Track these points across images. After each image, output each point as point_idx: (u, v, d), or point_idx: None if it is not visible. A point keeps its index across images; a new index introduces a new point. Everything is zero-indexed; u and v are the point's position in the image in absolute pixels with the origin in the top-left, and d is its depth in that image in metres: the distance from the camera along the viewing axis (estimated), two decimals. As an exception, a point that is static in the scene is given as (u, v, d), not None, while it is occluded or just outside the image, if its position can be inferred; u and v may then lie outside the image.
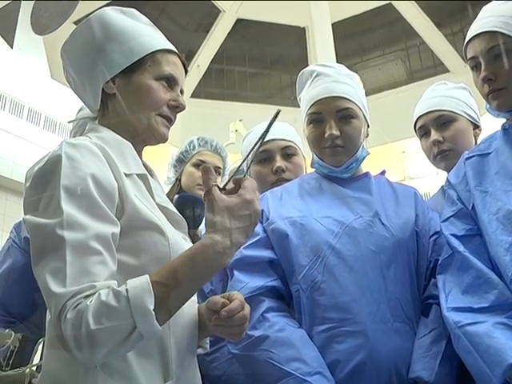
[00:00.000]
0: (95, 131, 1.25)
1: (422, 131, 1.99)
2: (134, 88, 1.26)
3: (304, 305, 1.43)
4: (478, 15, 1.53)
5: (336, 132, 1.56)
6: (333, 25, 6.47)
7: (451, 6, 7.17)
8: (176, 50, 1.34)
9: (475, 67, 1.48)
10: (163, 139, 1.31)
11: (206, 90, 7.77)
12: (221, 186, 1.09)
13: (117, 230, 1.06)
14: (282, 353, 1.32)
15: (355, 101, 1.61)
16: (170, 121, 1.31)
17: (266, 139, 1.95)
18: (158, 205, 1.21)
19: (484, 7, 1.52)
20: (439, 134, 1.92)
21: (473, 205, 1.43)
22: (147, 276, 0.98)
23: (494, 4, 1.50)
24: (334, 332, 1.37)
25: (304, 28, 7.56)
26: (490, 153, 1.48)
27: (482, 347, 1.21)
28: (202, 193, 2.45)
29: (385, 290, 1.41)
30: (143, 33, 1.31)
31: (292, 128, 2.12)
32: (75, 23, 6.08)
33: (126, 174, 1.15)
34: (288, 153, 1.99)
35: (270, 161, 1.95)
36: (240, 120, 5.71)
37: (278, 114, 1.17)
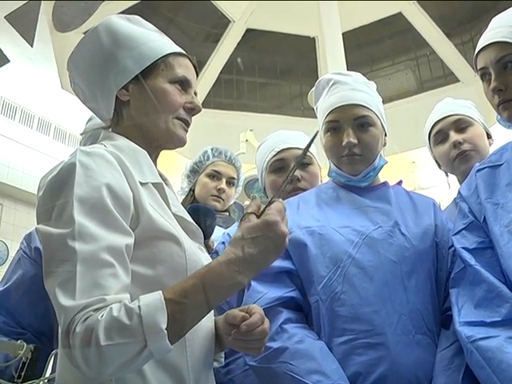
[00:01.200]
0: (110, 139, 1.23)
1: (440, 137, 1.99)
2: (148, 93, 1.25)
3: (323, 316, 1.40)
4: (488, 25, 1.52)
5: (354, 140, 1.54)
6: (343, 34, 6.46)
7: (461, 16, 7.16)
8: (186, 53, 1.34)
9: (485, 78, 1.47)
10: (182, 143, 1.29)
11: (215, 100, 7.76)
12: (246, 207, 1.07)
13: (131, 241, 1.04)
14: (302, 365, 1.29)
15: (373, 109, 1.60)
16: (188, 123, 1.30)
17: (281, 148, 1.96)
18: (174, 214, 1.19)
19: (494, 18, 1.52)
20: (459, 135, 1.92)
21: (484, 217, 1.42)
22: (160, 293, 0.95)
23: (505, 14, 1.49)
24: (355, 344, 1.34)
25: (314, 38, 7.57)
26: (501, 164, 1.47)
27: (494, 362, 1.19)
28: (216, 203, 2.47)
29: (406, 302, 1.38)
30: (151, 38, 1.31)
31: (306, 137, 2.11)
32: (85, 34, 6.11)
33: (141, 183, 1.14)
34: (303, 162, 1.97)
35: (285, 170, 1.94)
36: (250, 130, 5.70)
37: (316, 133, 1.16)
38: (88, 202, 1.00)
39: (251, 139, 5.62)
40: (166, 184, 1.27)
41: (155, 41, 1.30)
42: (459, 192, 1.55)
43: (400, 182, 1.73)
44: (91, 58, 1.28)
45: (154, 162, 1.29)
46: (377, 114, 1.61)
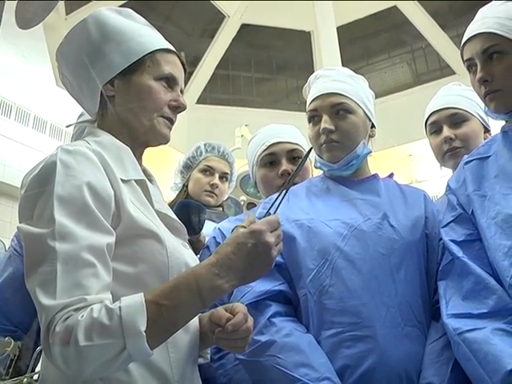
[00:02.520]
0: (93, 135, 1.23)
1: (434, 127, 1.98)
2: (133, 89, 1.24)
3: (312, 309, 1.40)
4: (475, 18, 1.51)
5: (330, 126, 1.56)
6: (338, 28, 6.44)
7: (456, 9, 7.13)
8: (175, 50, 1.32)
9: (471, 68, 1.47)
10: (165, 140, 1.29)
11: (211, 95, 7.74)
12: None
13: (112, 239, 1.04)
14: (290, 358, 1.29)
15: (352, 97, 1.60)
16: (172, 121, 1.29)
17: (271, 142, 1.96)
18: (156, 211, 1.19)
19: (481, 9, 1.51)
20: (452, 131, 1.92)
21: (472, 210, 1.42)
22: (142, 295, 0.96)
23: (491, 6, 1.49)
24: (343, 337, 1.34)
25: (309, 32, 7.54)
26: (489, 156, 1.46)
27: (480, 354, 1.20)
28: (210, 199, 2.47)
29: (395, 294, 1.38)
30: (141, 33, 1.29)
31: (298, 131, 2.10)
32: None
33: (123, 180, 1.13)
34: (294, 156, 1.97)
35: (275, 164, 1.93)
36: (246, 125, 5.67)
37: (310, 150, 1.20)
38: (68, 201, 1.00)
39: (246, 134, 5.60)
40: (150, 181, 1.27)
41: (144, 36, 1.28)
42: (448, 184, 1.55)
43: (391, 175, 1.73)
44: (79, 49, 1.26)
45: (139, 158, 1.29)
46: (357, 103, 1.61)
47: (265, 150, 1.96)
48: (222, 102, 7.85)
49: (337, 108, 1.58)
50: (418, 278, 1.44)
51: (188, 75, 7.34)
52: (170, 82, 1.27)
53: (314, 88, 1.64)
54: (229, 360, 1.59)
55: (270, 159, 1.94)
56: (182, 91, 1.32)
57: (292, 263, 1.47)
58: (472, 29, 1.47)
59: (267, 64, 8.41)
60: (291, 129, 2.09)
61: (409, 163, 7.12)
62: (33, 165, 1.11)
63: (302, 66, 8.11)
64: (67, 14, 5.74)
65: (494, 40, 1.40)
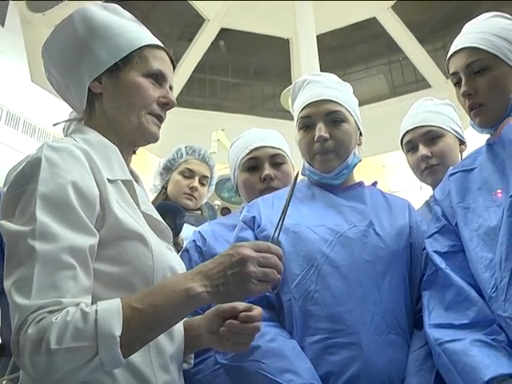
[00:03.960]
0: (80, 132, 1.20)
1: (410, 146, 2.01)
2: (121, 86, 1.22)
3: (296, 315, 1.39)
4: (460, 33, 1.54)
5: (325, 134, 1.54)
6: (317, 37, 6.48)
7: (434, 23, 7.25)
8: (163, 46, 1.31)
9: (457, 83, 1.49)
10: (154, 139, 1.26)
11: (187, 98, 7.70)
12: None
13: (95, 241, 1.01)
14: (274, 364, 1.28)
15: (345, 105, 1.60)
16: (161, 119, 1.27)
17: (254, 146, 1.95)
18: (142, 213, 1.17)
19: (466, 24, 1.54)
20: (428, 149, 1.94)
21: (456, 221, 1.43)
22: (119, 300, 0.94)
23: (476, 21, 1.52)
24: (327, 343, 1.33)
25: (288, 39, 7.58)
26: (474, 168, 1.48)
27: (459, 365, 1.21)
28: (189, 202, 2.44)
29: (380, 301, 1.38)
30: (128, 29, 1.27)
31: (280, 136, 2.10)
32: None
33: (109, 180, 1.11)
34: (277, 161, 1.96)
35: (258, 169, 1.92)
36: (222, 129, 5.67)
37: (297, 175, 1.20)
38: (52, 199, 0.98)
39: (223, 139, 5.60)
40: (136, 182, 1.25)
41: (131, 32, 1.26)
42: (433, 195, 1.57)
43: (375, 183, 1.73)
44: (65, 46, 1.24)
45: (127, 158, 1.27)
46: (349, 111, 1.60)
47: (248, 153, 1.94)
48: (198, 106, 7.82)
49: (332, 116, 1.57)
50: (402, 286, 1.45)
51: (165, 77, 7.29)
52: (158, 78, 1.25)
53: (306, 93, 1.62)
54: (207, 365, 1.57)
55: (252, 163, 1.93)
56: (170, 88, 1.29)
57: None
58: (457, 43, 1.49)
59: (245, 69, 8.42)
60: (274, 133, 2.08)
61: (382, 174, 7.19)
62: (4, 161, 1.08)
63: (279, 73, 8.15)
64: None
65: (477, 55, 1.43)
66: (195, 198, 2.45)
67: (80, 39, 1.22)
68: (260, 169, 1.92)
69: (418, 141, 1.96)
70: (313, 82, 1.64)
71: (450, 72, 1.51)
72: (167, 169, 2.51)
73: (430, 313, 1.35)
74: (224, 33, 7.61)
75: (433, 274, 1.40)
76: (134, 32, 1.27)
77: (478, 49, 1.43)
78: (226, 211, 4.67)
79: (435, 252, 1.42)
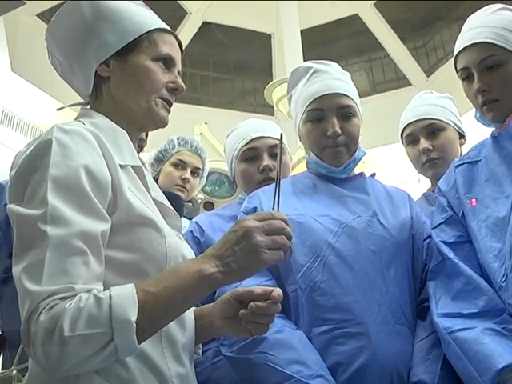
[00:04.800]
0: (88, 117, 1.17)
1: (410, 139, 2.01)
2: (130, 70, 1.18)
3: (302, 305, 1.38)
4: (464, 26, 1.53)
5: (339, 130, 1.52)
6: (300, 32, 6.49)
7: (416, 22, 7.31)
8: (171, 30, 1.27)
9: (467, 78, 1.48)
10: (163, 123, 1.23)
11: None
12: None
13: (107, 227, 0.98)
14: (282, 355, 1.26)
15: (354, 99, 1.59)
16: (170, 104, 1.23)
17: (253, 136, 1.93)
18: (153, 200, 1.14)
19: (470, 18, 1.53)
20: (429, 142, 1.94)
21: (463, 212, 1.44)
22: (133, 285, 0.91)
23: (482, 14, 1.51)
24: (335, 333, 1.32)
25: (270, 35, 7.57)
26: (479, 160, 1.49)
27: (471, 353, 1.21)
28: (180, 193, 2.41)
29: (386, 291, 1.38)
30: (136, 12, 1.23)
31: (278, 127, 2.09)
32: (38, 16, 5.92)
33: (120, 166, 1.07)
34: (275, 151, 1.95)
35: (256, 159, 1.90)
36: (205, 123, 5.63)
37: (282, 137, 1.18)
38: (63, 183, 0.94)
39: (206, 132, 5.56)
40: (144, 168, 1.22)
41: (139, 16, 1.23)
42: (438, 186, 1.57)
43: (373, 175, 1.72)
44: (71, 29, 1.20)
45: (134, 143, 1.23)
46: (357, 105, 1.60)
47: (246, 144, 1.92)
48: (178, 99, 7.75)
49: (344, 110, 1.55)
50: (406, 276, 1.45)
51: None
52: (167, 62, 1.22)
53: (314, 84, 1.59)
54: (207, 358, 1.55)
55: (251, 154, 1.91)
56: (179, 73, 1.27)
57: None
58: (467, 38, 1.47)
59: (225, 64, 8.39)
60: (272, 124, 2.07)
61: (362, 170, 7.21)
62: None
63: (259, 68, 8.14)
64: (25, -2, 5.57)
65: (491, 50, 1.42)
66: (187, 190, 2.42)
67: (87, 22, 1.19)
68: (259, 159, 1.90)
69: (419, 133, 1.97)
70: (319, 72, 1.61)
71: (460, 67, 1.49)
72: (158, 160, 2.47)
73: (436, 302, 1.36)
74: (206, 26, 7.57)
75: (439, 264, 1.41)
76: (143, 16, 1.23)
77: (491, 44, 1.42)
78: (208, 205, 4.63)
79: (442, 242, 1.43)
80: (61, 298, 0.85)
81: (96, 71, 1.19)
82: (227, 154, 2.04)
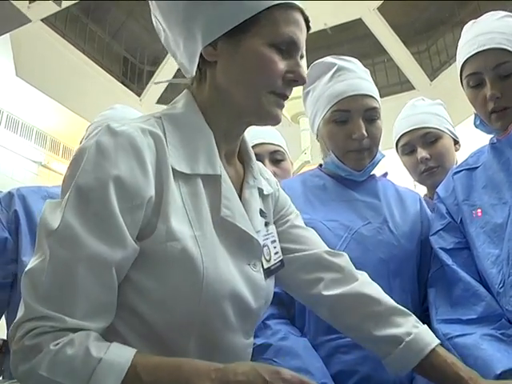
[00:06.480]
0: (175, 105, 1.05)
1: (407, 148, 2.00)
2: (242, 56, 0.99)
3: (309, 313, 1.37)
4: (468, 31, 1.50)
5: (365, 133, 1.48)
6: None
7: (419, 26, 7.30)
8: (298, 5, 1.03)
9: (477, 84, 1.45)
10: (276, 121, 1.05)
11: (173, 96, 7.59)
12: None
13: (128, 254, 0.87)
14: (286, 362, 1.25)
15: (378, 100, 1.54)
16: (285, 98, 1.05)
17: (254, 143, 1.94)
18: (221, 219, 0.98)
19: (476, 22, 1.51)
20: (426, 151, 1.93)
21: (461, 218, 1.45)
22: (131, 358, 0.81)
23: (487, 21, 1.48)
24: (340, 342, 1.33)
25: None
26: (477, 167, 1.49)
27: (470, 359, 1.22)
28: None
29: None
30: None
31: (278, 133, 2.09)
32: (42, 20, 5.94)
33: (182, 174, 0.95)
34: (277, 157, 1.97)
35: None
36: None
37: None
38: (86, 197, 0.85)
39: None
40: (248, 166, 1.11)
41: None
42: (437, 193, 1.57)
43: (385, 174, 1.70)
44: None
45: (235, 140, 1.10)
46: (380, 106, 1.55)
47: None
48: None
49: (370, 113, 1.50)
50: (411, 285, 1.45)
51: (149, 74, 7.24)
52: (288, 47, 1.01)
53: (340, 83, 1.51)
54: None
55: None
56: (301, 56, 1.05)
57: None
58: (478, 43, 1.43)
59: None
60: (273, 130, 2.08)
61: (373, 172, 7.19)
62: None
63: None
64: (30, 2, 5.59)
65: (505, 57, 1.39)
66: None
67: None
68: None
69: (416, 143, 1.95)
70: (344, 70, 1.54)
71: (470, 72, 1.45)
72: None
73: (436, 309, 1.36)
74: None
75: (438, 271, 1.42)
76: None
77: (505, 50, 1.39)
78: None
79: (441, 249, 1.43)
80: (51, 327, 0.80)
81: (201, 53, 1.01)
82: None
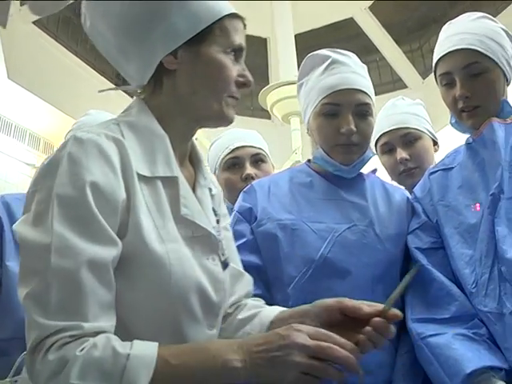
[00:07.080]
0: (130, 112, 1.07)
1: (386, 148, 1.98)
2: (201, 64, 1.05)
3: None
4: (443, 31, 1.53)
5: (354, 128, 1.45)
6: (295, 36, 6.50)
7: (411, 25, 7.32)
8: (239, 14, 1.12)
9: (448, 84, 1.47)
10: (230, 123, 1.11)
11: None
12: None
13: (117, 251, 0.91)
14: None
15: (372, 97, 1.52)
16: (237, 100, 1.10)
17: (236, 146, 1.96)
18: (181, 217, 1.02)
19: (452, 23, 1.53)
20: (405, 151, 1.92)
21: (436, 219, 1.46)
22: (156, 349, 0.84)
23: (463, 21, 1.50)
24: None
25: (266, 39, 7.58)
26: (453, 167, 1.50)
27: (442, 358, 1.25)
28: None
29: None
30: None
31: (260, 136, 2.12)
32: (34, 23, 5.94)
33: (144, 177, 0.98)
34: (257, 160, 1.99)
35: (239, 167, 1.97)
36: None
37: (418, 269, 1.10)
38: (69, 205, 0.87)
39: (200, 137, 5.58)
40: (198, 168, 1.15)
41: None
42: (414, 193, 1.58)
43: (374, 171, 1.69)
44: (132, 7, 1.03)
45: (188, 138, 1.13)
46: (373, 103, 1.52)
47: (229, 153, 1.98)
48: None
49: (361, 108, 1.47)
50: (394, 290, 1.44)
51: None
52: (237, 54, 1.09)
53: (332, 76, 1.49)
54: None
55: (233, 162, 1.97)
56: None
57: (272, 265, 1.41)
58: (450, 43, 1.45)
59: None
60: (254, 133, 2.10)
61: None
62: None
63: (257, 72, 8.12)
64: (21, 5, 5.60)
65: (475, 57, 1.41)
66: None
67: (153, 3, 1.04)
68: (241, 168, 1.95)
69: (395, 143, 1.94)
70: (338, 63, 1.51)
71: (441, 72, 1.48)
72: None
73: (412, 308, 1.38)
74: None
75: None
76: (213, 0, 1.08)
77: (475, 51, 1.41)
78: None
79: (417, 248, 1.44)
80: (70, 336, 0.81)
81: (161, 62, 1.05)
82: (211, 163, 2.08)
